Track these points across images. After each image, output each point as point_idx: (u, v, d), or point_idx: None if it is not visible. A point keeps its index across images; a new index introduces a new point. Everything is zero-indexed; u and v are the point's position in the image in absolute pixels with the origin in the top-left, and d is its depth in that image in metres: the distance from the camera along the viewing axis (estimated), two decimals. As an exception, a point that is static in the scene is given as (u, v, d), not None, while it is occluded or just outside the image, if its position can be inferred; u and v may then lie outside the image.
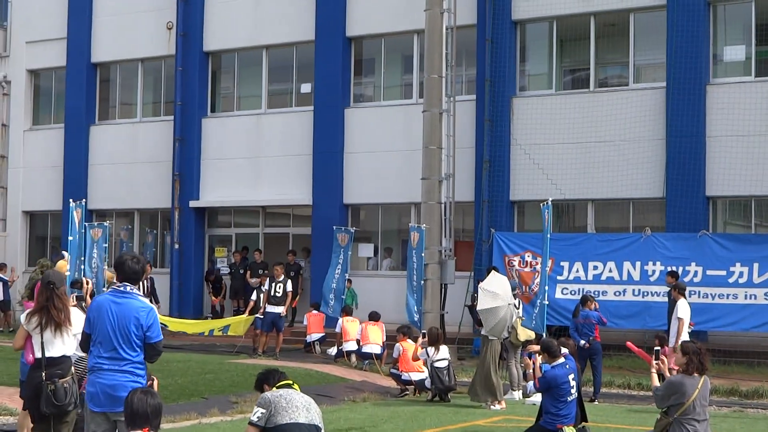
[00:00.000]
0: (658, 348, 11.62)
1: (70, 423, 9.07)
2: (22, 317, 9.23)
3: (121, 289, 7.94)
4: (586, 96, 24.20)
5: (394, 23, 26.40)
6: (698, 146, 22.57)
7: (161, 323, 22.67)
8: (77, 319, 9.23)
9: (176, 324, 23.22)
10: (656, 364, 10.48)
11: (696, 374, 9.53)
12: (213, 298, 27.69)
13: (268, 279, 22.47)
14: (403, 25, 26.13)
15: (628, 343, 14.07)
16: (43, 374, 8.76)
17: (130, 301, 7.90)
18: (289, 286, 22.31)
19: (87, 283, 10.36)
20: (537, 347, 13.69)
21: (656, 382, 10.19)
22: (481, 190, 24.57)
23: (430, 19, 22.90)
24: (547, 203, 19.59)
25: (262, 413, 7.85)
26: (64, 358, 9.00)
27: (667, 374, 10.43)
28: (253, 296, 22.70)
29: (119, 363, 7.79)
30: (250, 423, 7.93)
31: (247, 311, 22.91)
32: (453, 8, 23.79)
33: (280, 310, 22.04)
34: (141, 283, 21.13)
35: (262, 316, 22.10)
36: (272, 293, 22.04)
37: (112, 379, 7.77)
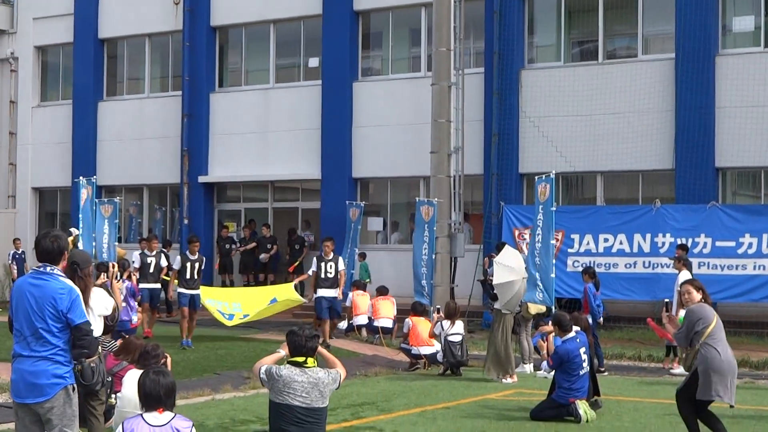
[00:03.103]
0: (668, 301, 11.64)
1: (102, 401, 9.06)
2: None
3: (41, 269, 7.56)
4: (595, 68, 24.12)
5: (402, -4, 26.32)
6: (707, 117, 22.50)
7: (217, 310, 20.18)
8: (102, 300, 9.15)
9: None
10: (666, 316, 10.49)
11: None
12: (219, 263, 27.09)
13: (315, 259, 19.79)
14: (411, -3, 26.06)
15: (649, 321, 14.27)
16: None
17: (48, 283, 7.51)
18: (341, 265, 19.70)
19: (113, 266, 10.22)
20: (549, 328, 13.70)
21: (673, 329, 10.22)
22: (490, 163, 24.56)
23: (437, -9, 22.81)
24: (547, 176, 19.34)
25: (264, 380, 8.49)
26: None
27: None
28: (312, 269, 19.74)
29: (39, 349, 7.41)
30: (261, 373, 8.51)
31: (297, 280, 21.38)
32: (461, -19, 23.75)
33: (335, 293, 19.55)
34: (157, 259, 21.12)
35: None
36: (323, 275, 19.41)
37: (33, 365, 7.40)
